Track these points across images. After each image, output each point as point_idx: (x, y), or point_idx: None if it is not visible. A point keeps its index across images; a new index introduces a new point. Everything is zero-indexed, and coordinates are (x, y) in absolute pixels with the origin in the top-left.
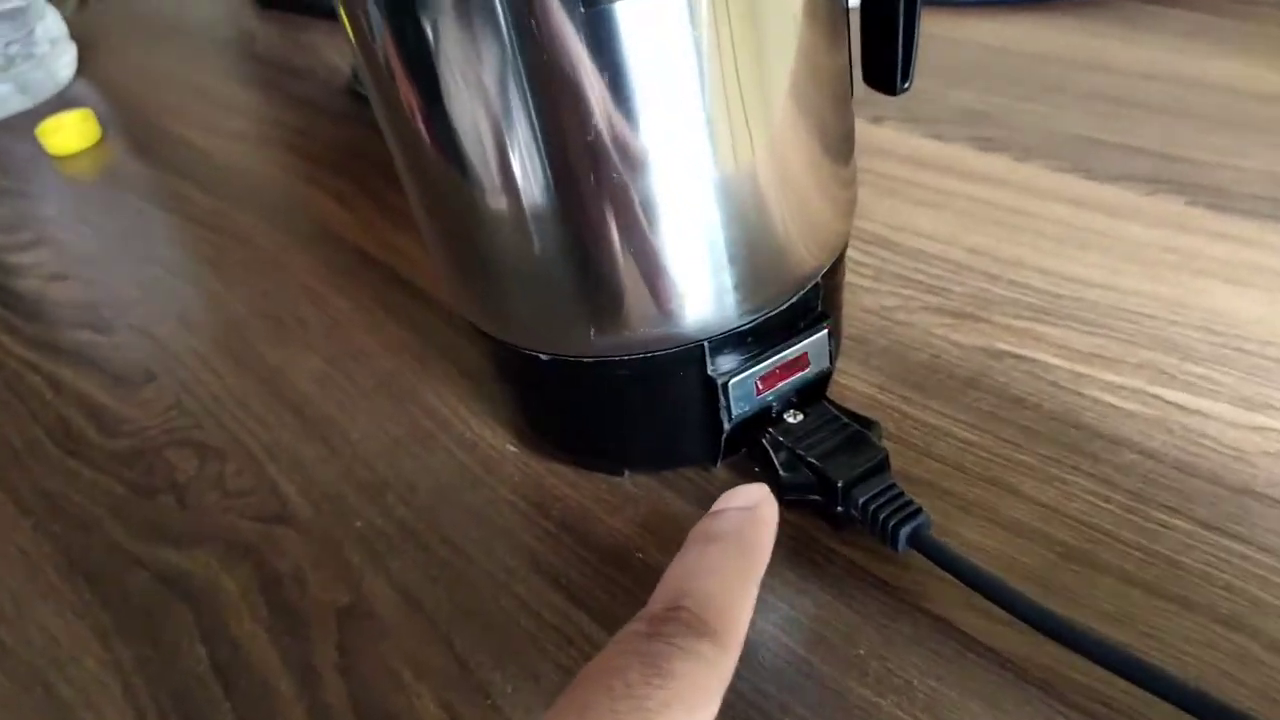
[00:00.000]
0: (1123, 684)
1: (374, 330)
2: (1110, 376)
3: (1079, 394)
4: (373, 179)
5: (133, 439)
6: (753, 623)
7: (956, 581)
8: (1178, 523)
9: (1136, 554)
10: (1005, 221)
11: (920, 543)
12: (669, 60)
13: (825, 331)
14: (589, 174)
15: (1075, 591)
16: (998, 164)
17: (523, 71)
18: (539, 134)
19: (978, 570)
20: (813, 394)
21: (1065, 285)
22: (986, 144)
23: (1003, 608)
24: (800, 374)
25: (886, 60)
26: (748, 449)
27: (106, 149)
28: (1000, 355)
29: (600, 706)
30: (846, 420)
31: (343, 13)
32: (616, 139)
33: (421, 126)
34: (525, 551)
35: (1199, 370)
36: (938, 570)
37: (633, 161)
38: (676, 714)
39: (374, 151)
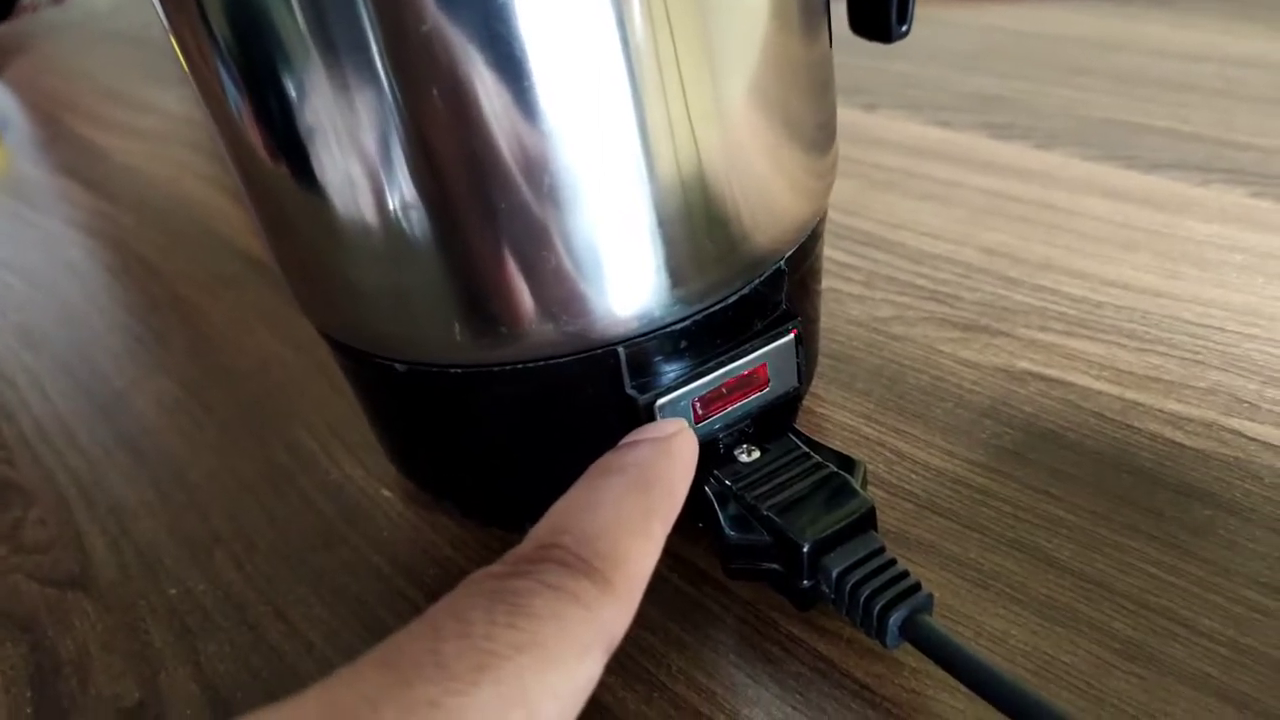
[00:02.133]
0: None
1: (247, 348)
2: (1172, 405)
3: (1131, 428)
4: None
5: None
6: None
7: (969, 692)
8: (1275, 605)
9: (1220, 650)
10: (1029, 218)
11: (919, 634)
12: None
13: (792, 336)
14: (443, 105)
15: (1135, 703)
16: (1017, 152)
17: None
18: (384, 55)
19: (998, 677)
20: (775, 423)
21: (1106, 291)
22: (1003, 131)
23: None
24: (757, 395)
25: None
26: (688, 496)
27: (3, 151)
28: (1024, 378)
29: (419, 653)
30: (819, 460)
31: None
32: (489, 71)
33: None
34: (382, 633)
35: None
36: (942, 674)
37: (508, 98)
38: (531, 662)
39: None
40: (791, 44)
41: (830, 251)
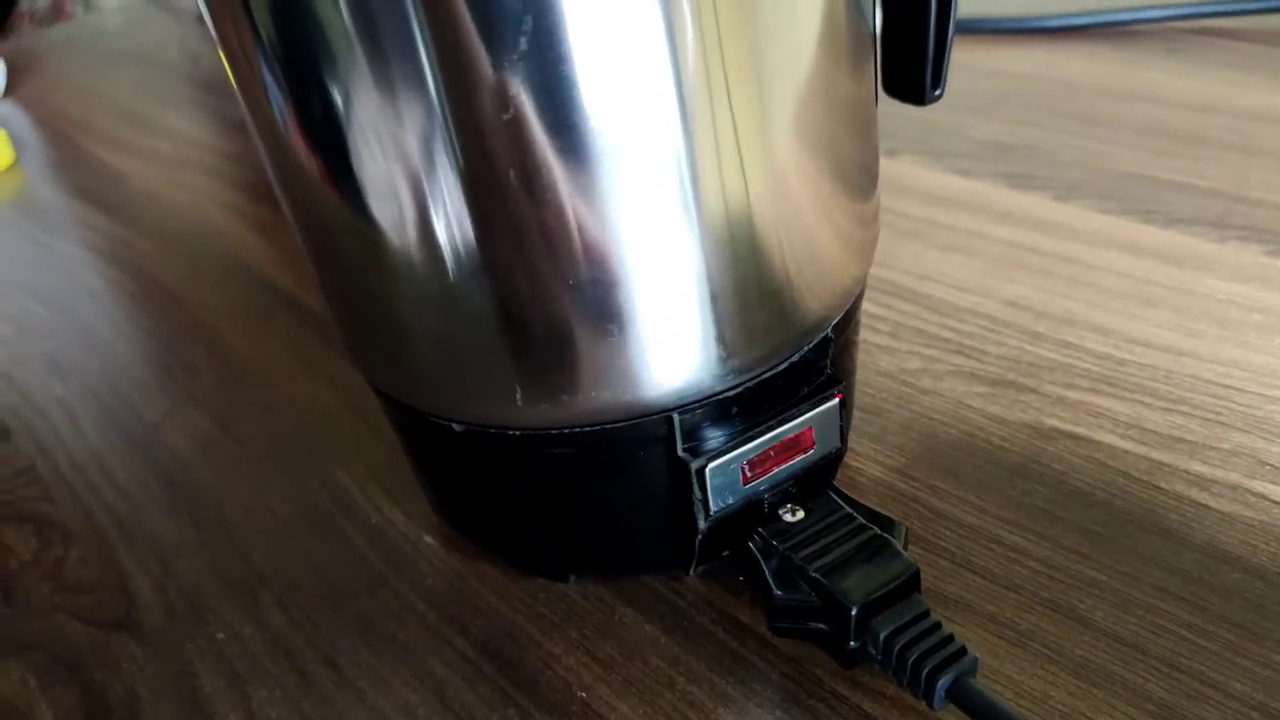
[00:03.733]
0: None
1: (280, 383)
2: (1197, 467)
3: (1158, 488)
4: None
5: None
6: None
7: None
8: (1265, 651)
9: (1254, 716)
10: (1050, 270)
11: (965, 698)
12: (630, 51)
13: (836, 401)
14: (510, 182)
15: None
16: (1037, 204)
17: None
18: (449, 132)
19: None
20: (818, 483)
21: (1130, 349)
22: (1022, 181)
23: None
24: (802, 457)
25: (914, 60)
26: (731, 553)
27: (19, 172)
28: (1052, 436)
29: None
30: (863, 521)
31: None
32: (550, 139)
33: (300, 132)
34: (432, 683)
35: None
36: None
37: (570, 172)
38: None
39: None
40: (840, 81)
41: None
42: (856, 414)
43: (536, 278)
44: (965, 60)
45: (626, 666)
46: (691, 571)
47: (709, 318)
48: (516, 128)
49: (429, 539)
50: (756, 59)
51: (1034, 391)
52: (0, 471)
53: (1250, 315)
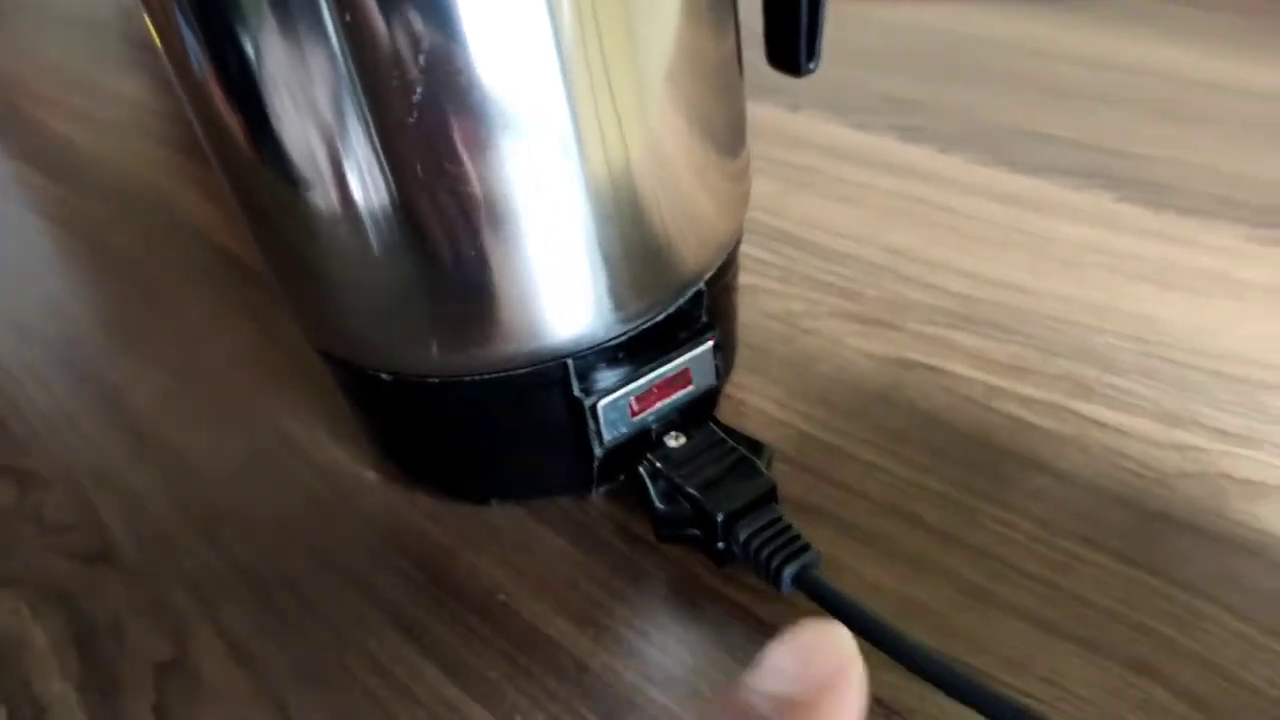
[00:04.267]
0: None
1: (231, 341)
2: (1026, 390)
3: (992, 409)
4: None
5: None
6: (621, 674)
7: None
8: (1088, 554)
9: (1042, 590)
10: (927, 219)
11: (807, 583)
12: (519, 36)
13: (711, 344)
14: (421, 164)
15: (975, 634)
16: (921, 155)
17: (341, 35)
18: (365, 114)
19: (866, 615)
20: (698, 414)
21: (984, 289)
22: (911, 134)
23: (893, 658)
24: (681, 392)
25: (790, 36)
26: (625, 475)
27: None
28: (913, 366)
29: None
30: (734, 444)
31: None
32: (455, 123)
33: (234, 115)
34: (377, 597)
35: (1122, 383)
36: (828, 608)
37: (474, 151)
38: None
39: None
40: (704, 51)
41: (752, 249)
42: (744, 351)
43: (445, 246)
44: (884, 16)
45: (540, 573)
46: (593, 492)
47: (597, 275)
48: (420, 109)
49: (369, 474)
50: (629, 37)
51: (900, 329)
52: None
53: (1093, 256)
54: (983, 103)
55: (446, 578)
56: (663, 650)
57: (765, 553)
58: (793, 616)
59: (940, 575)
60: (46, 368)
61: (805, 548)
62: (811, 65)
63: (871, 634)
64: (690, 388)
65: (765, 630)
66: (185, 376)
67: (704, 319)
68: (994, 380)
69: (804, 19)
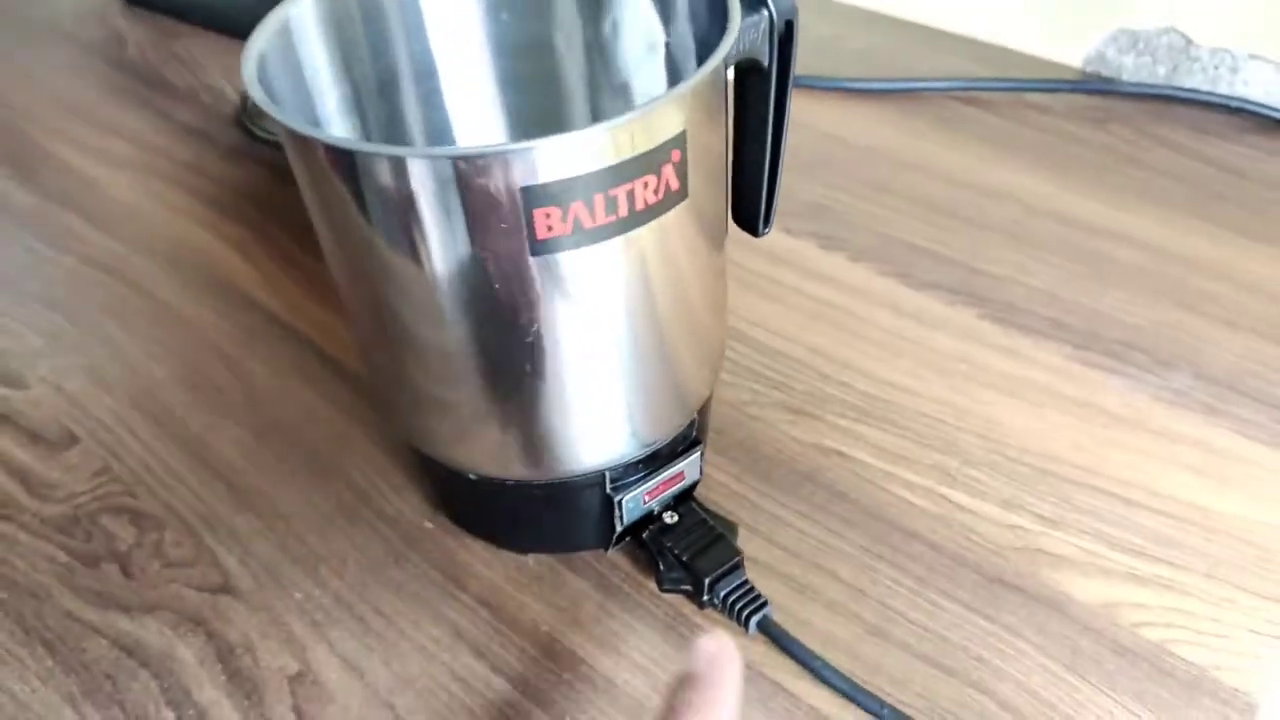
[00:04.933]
0: None
1: (292, 401)
2: (909, 475)
3: (885, 490)
4: (271, 229)
5: (65, 505)
6: (635, 685)
7: (791, 653)
8: (949, 605)
9: (919, 629)
10: (840, 323)
11: (764, 628)
12: (598, 296)
13: (698, 454)
14: (530, 361)
15: (875, 660)
16: (835, 264)
17: (476, 287)
18: (489, 329)
19: (803, 649)
20: (685, 496)
21: (882, 388)
22: (827, 242)
23: (821, 680)
24: (677, 485)
25: (751, 208)
26: (633, 538)
27: None
28: (829, 452)
29: None
30: (712, 523)
31: (315, 199)
32: (554, 344)
33: (392, 297)
34: (448, 624)
35: (974, 473)
36: (784, 651)
37: (563, 358)
38: None
39: (269, 196)
40: (714, 262)
41: None
42: (709, 434)
43: (532, 398)
44: (801, 118)
45: (571, 610)
46: (609, 550)
47: (633, 420)
48: (533, 334)
49: (429, 524)
50: (670, 290)
51: (821, 420)
52: (82, 472)
53: (959, 365)
54: (881, 215)
55: (500, 611)
56: (662, 669)
57: (737, 606)
58: (753, 647)
59: (852, 617)
60: (132, 419)
61: (764, 603)
62: (766, 229)
63: (806, 662)
64: (684, 481)
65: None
66: (259, 430)
67: (694, 437)
68: (887, 467)
69: (764, 197)
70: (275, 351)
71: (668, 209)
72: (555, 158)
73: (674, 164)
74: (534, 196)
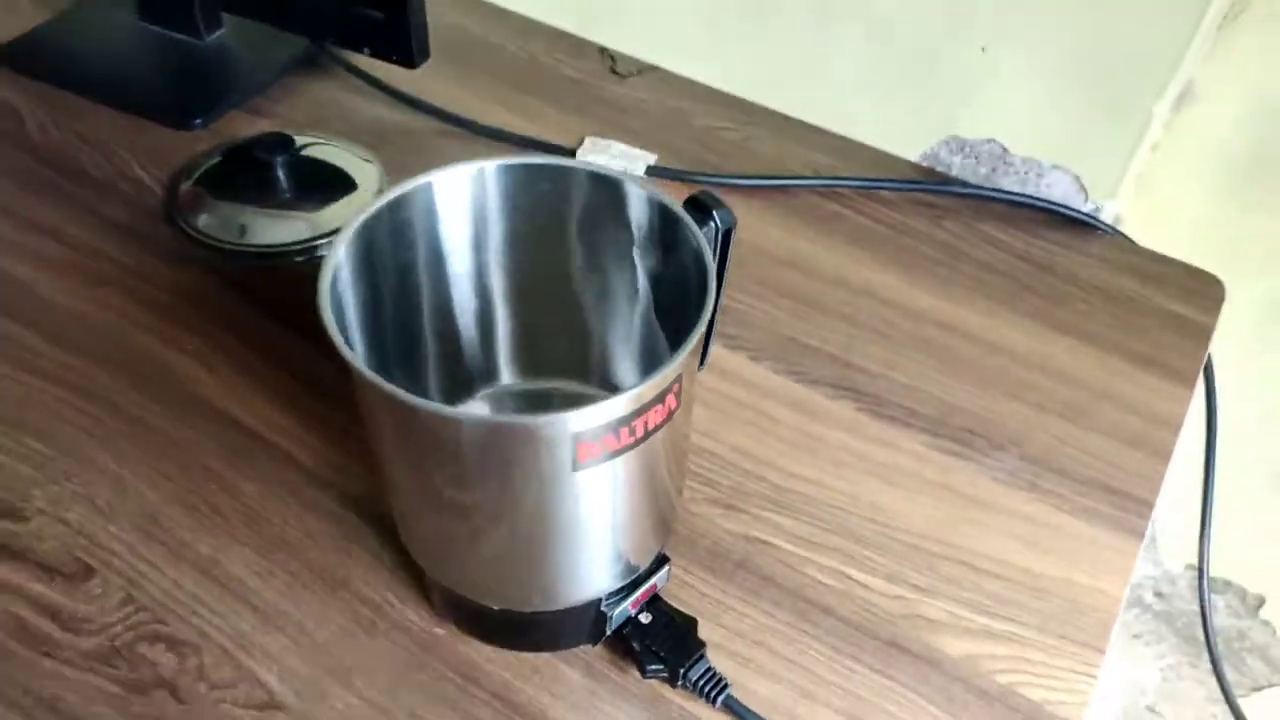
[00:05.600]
0: None
1: (289, 519)
2: (819, 559)
3: (802, 574)
4: (227, 339)
5: (100, 637)
6: None
7: None
8: (857, 668)
9: (838, 689)
10: (752, 422)
11: (727, 704)
12: (616, 487)
13: (667, 568)
14: (560, 535)
15: (809, 718)
16: (740, 363)
17: (524, 494)
18: (531, 519)
19: (756, 715)
20: (655, 599)
21: (792, 481)
22: (731, 341)
23: None
24: (651, 594)
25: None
26: (614, 635)
27: None
28: (755, 541)
29: None
30: (678, 621)
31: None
32: (581, 521)
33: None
34: (472, 718)
35: (867, 553)
36: (739, 716)
37: (584, 530)
38: None
39: (218, 304)
40: (688, 427)
41: None
42: None
43: (552, 561)
44: None
45: (569, 697)
46: (596, 645)
47: (623, 558)
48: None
49: (439, 630)
50: (671, 458)
51: (745, 512)
52: (107, 603)
53: (846, 456)
54: (771, 314)
55: (512, 702)
56: None
57: (705, 688)
58: (717, 717)
59: (786, 684)
60: (141, 546)
61: (725, 684)
62: (703, 365)
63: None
64: (655, 590)
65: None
66: (265, 550)
67: (663, 557)
68: (802, 552)
69: (705, 344)
70: (261, 469)
71: (670, 420)
72: (600, 413)
73: (675, 392)
74: (580, 438)
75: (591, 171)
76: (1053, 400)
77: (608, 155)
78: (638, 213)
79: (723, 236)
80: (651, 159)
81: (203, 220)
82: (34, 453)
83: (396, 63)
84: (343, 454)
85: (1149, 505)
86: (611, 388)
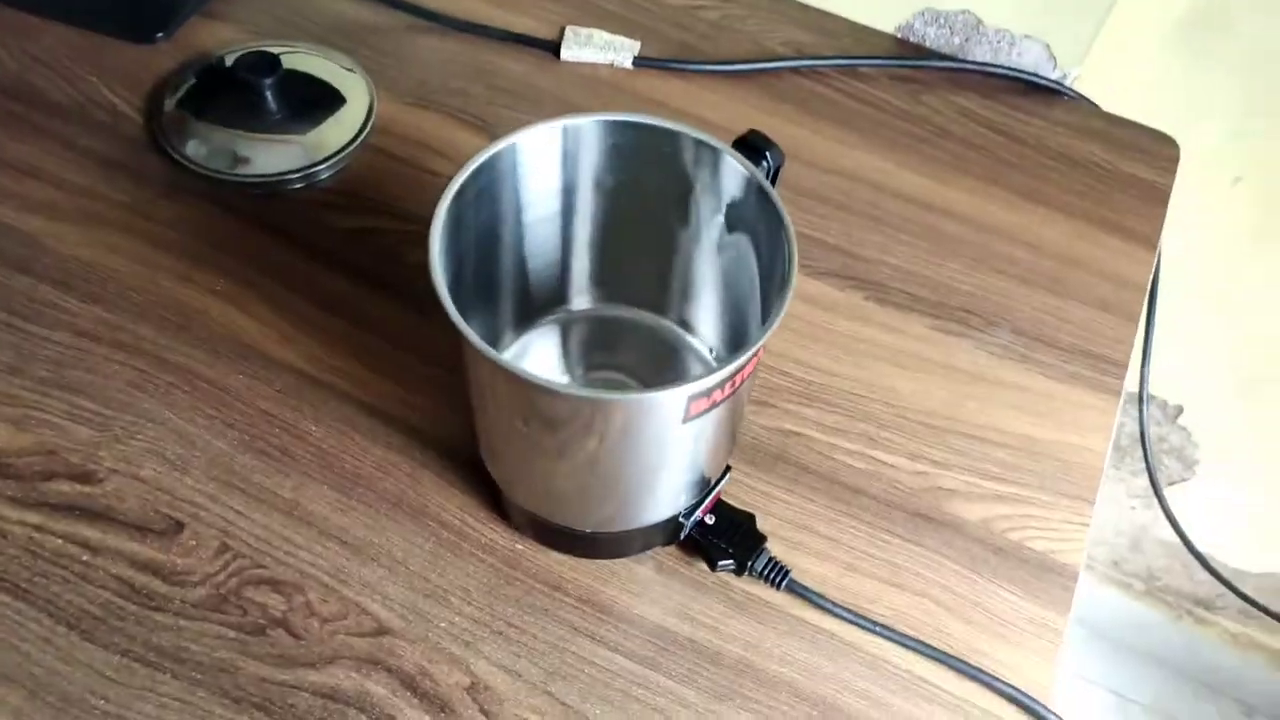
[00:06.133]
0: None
1: (358, 454)
2: (847, 444)
3: (833, 459)
4: (250, 274)
5: (206, 587)
6: (705, 635)
7: (809, 599)
8: (890, 539)
9: (876, 559)
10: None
11: (790, 587)
12: (708, 428)
13: (728, 475)
14: (659, 470)
15: (854, 589)
16: None
17: (638, 445)
18: (635, 463)
19: (816, 595)
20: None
21: (811, 373)
22: None
23: (828, 613)
24: (718, 503)
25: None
26: (688, 537)
27: None
28: (788, 434)
29: None
30: (738, 519)
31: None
32: (678, 459)
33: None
34: (564, 622)
35: (886, 435)
36: (802, 598)
37: (679, 465)
38: None
39: (228, 238)
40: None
41: None
42: None
43: (649, 494)
44: (681, 103)
45: (647, 594)
46: (673, 544)
47: (694, 488)
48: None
49: (520, 546)
50: (746, 394)
51: (776, 407)
52: (203, 553)
53: (858, 344)
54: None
55: (600, 604)
56: (722, 623)
57: (770, 575)
58: (780, 597)
59: (832, 561)
60: (222, 494)
61: (787, 571)
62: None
63: (816, 604)
64: (720, 499)
65: (768, 606)
66: (342, 486)
67: (728, 467)
68: (830, 439)
69: None
70: (319, 409)
71: (752, 372)
72: (708, 381)
73: (758, 356)
74: (691, 398)
75: (668, 129)
76: (1035, 273)
77: (592, 46)
78: (721, 178)
79: (774, 170)
80: (636, 47)
81: (191, 147)
82: (90, 413)
83: None
84: (394, 385)
85: (1123, 366)
86: (670, 308)
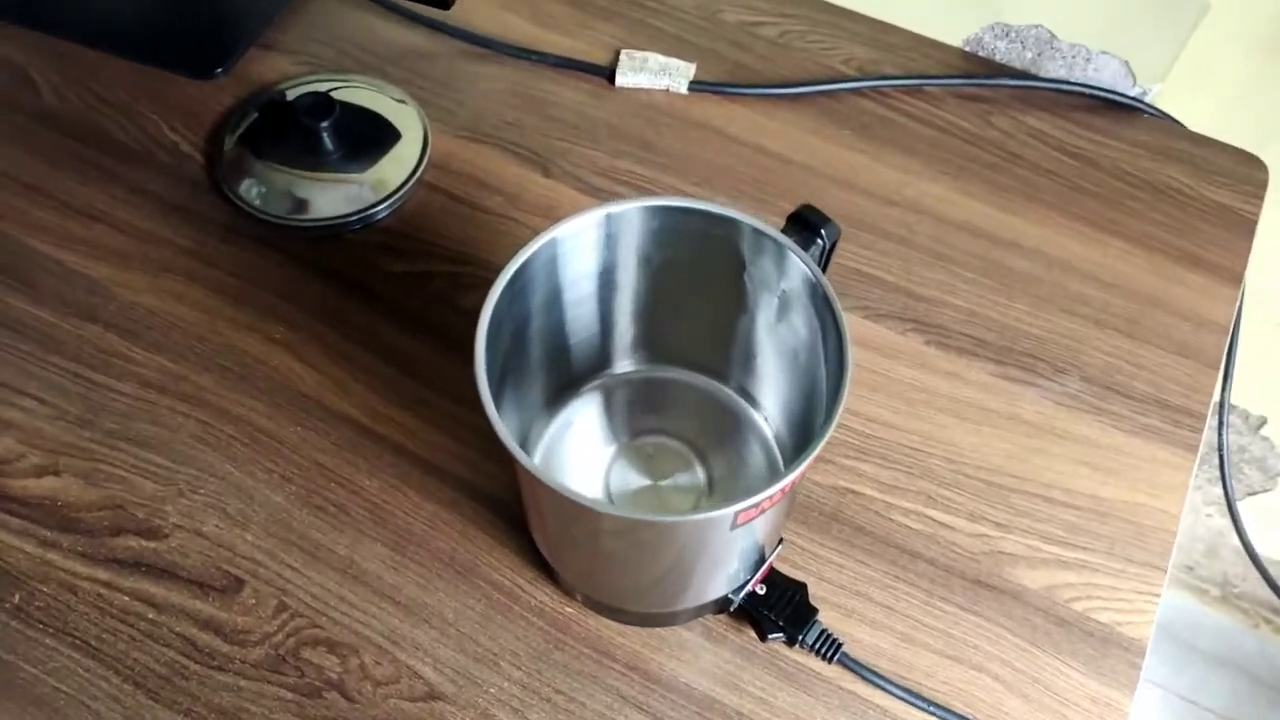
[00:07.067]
0: None
1: (410, 511)
2: (904, 503)
3: (890, 519)
4: (308, 322)
5: (264, 646)
6: (746, 703)
7: (861, 674)
8: (947, 608)
9: (931, 630)
10: None
11: (842, 660)
12: (757, 529)
13: (781, 546)
14: (707, 566)
15: (909, 661)
16: None
17: (690, 549)
18: (686, 562)
19: (868, 670)
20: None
21: (869, 426)
22: None
23: (880, 688)
24: (770, 572)
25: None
26: (738, 606)
27: None
28: (844, 492)
29: None
30: (790, 589)
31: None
32: (724, 557)
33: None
34: (612, 690)
35: (945, 493)
36: (852, 670)
37: (726, 559)
38: None
39: (286, 283)
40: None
41: None
42: None
43: (699, 583)
44: (724, 127)
45: (695, 661)
46: (724, 614)
47: (748, 570)
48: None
49: (569, 609)
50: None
51: (832, 463)
52: (262, 613)
53: (917, 394)
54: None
55: (648, 672)
56: (773, 695)
57: (821, 649)
58: (829, 669)
59: (886, 630)
60: (280, 552)
61: (839, 644)
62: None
63: (867, 677)
64: (771, 571)
65: (820, 678)
66: (395, 544)
67: (780, 540)
68: (887, 498)
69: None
70: (373, 462)
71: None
72: (759, 497)
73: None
74: (739, 513)
75: (711, 213)
76: (1108, 313)
77: (647, 72)
78: (776, 263)
79: (829, 247)
80: (691, 70)
81: (252, 190)
82: (156, 466)
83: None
84: (446, 437)
85: (1201, 418)
86: (729, 375)
